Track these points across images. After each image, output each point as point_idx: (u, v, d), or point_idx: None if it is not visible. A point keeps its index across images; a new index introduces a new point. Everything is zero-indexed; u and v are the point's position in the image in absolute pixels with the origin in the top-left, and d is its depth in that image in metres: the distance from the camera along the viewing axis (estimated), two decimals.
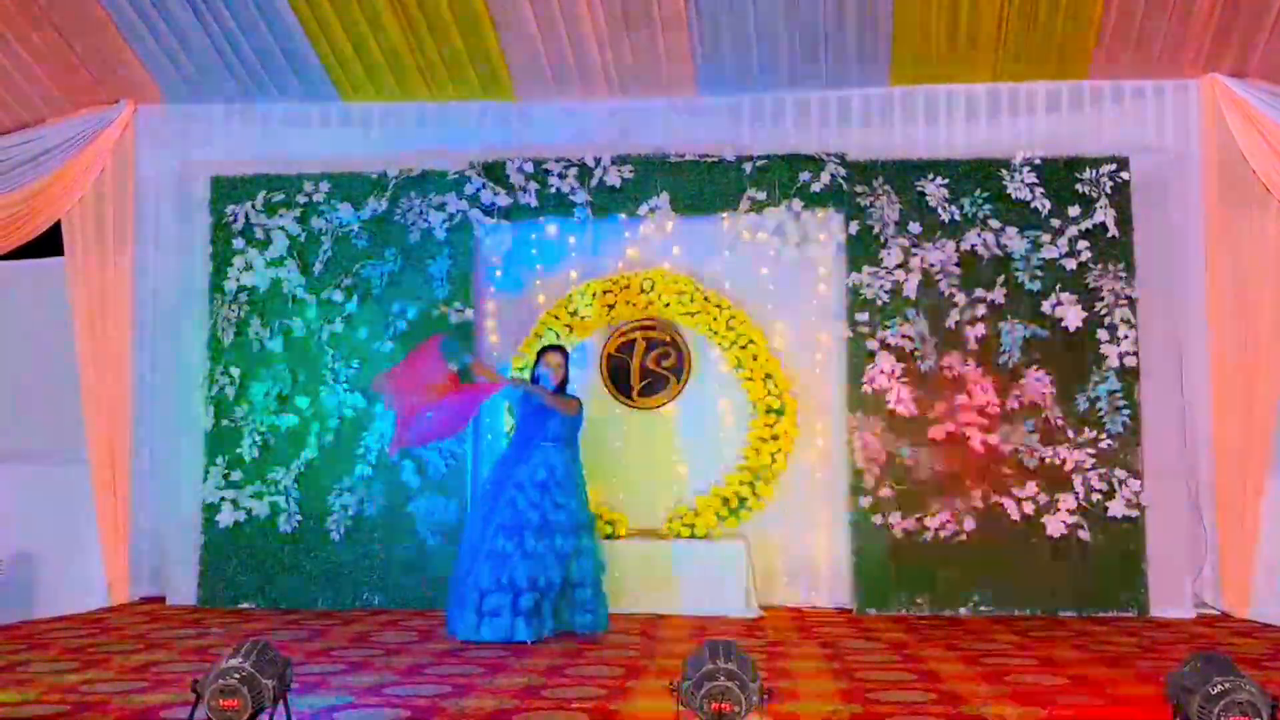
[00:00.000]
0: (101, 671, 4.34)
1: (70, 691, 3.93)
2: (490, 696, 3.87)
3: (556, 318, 6.64)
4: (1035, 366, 6.18)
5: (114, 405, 6.80)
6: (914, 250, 6.31)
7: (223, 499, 6.47)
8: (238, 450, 6.51)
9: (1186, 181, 6.48)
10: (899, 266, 6.31)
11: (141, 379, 6.90)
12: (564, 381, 5.71)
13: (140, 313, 6.93)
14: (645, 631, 5.48)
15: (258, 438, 6.51)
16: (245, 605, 6.38)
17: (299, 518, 6.44)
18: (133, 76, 6.76)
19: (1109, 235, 6.22)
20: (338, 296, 6.58)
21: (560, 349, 5.86)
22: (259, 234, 6.65)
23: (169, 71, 6.73)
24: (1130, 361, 6.14)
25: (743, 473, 6.43)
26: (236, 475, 6.49)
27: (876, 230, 6.36)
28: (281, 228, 6.62)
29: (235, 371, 6.56)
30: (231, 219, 6.68)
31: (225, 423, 6.55)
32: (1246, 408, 6.23)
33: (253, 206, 6.66)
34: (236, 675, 3.10)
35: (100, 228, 6.91)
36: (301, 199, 6.65)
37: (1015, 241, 6.25)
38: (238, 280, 6.63)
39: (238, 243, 6.66)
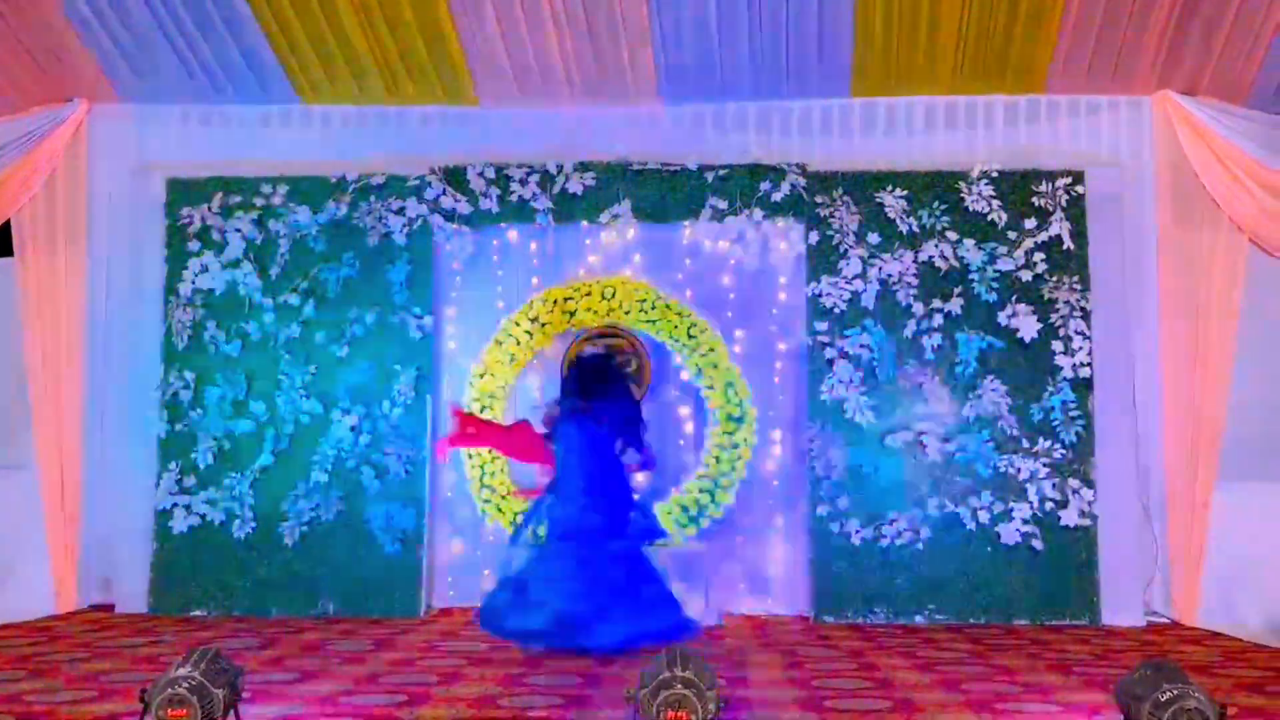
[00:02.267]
0: (48, 681, 4.25)
1: (15, 701, 3.85)
2: (445, 705, 3.84)
3: (517, 324, 6.62)
4: (991, 377, 6.25)
5: (64, 409, 6.66)
6: (873, 261, 6.37)
7: (176, 505, 6.37)
8: (192, 455, 6.42)
9: (1140, 196, 6.58)
10: (858, 276, 6.36)
11: (93, 383, 6.76)
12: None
13: (92, 315, 6.79)
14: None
15: (212, 443, 6.42)
16: (197, 613, 6.29)
17: (253, 524, 6.36)
18: (87, 75, 6.65)
19: (1064, 248, 6.31)
20: (295, 300, 6.51)
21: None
22: (215, 236, 6.57)
23: (124, 71, 6.63)
24: (1084, 372, 6.23)
25: (702, 480, 6.45)
26: (190, 481, 6.40)
27: (836, 240, 6.41)
28: (238, 230, 6.54)
29: (189, 375, 6.47)
30: (187, 221, 6.59)
31: (179, 427, 6.45)
32: (1196, 419, 6.33)
33: (209, 209, 6.58)
34: (186, 684, 3.07)
35: (51, 228, 6.77)
36: (259, 202, 6.57)
37: (972, 253, 6.32)
38: (193, 283, 6.54)
39: (193, 245, 6.57)
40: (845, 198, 6.42)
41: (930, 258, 6.35)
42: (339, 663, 4.73)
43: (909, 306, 6.33)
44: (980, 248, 6.33)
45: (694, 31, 6.26)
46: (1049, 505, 6.14)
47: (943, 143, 6.71)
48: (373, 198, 6.55)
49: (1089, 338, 6.25)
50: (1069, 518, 6.11)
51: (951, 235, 6.35)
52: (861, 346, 6.32)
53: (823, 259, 6.41)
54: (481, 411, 6.57)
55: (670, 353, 6.61)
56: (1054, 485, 6.15)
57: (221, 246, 6.55)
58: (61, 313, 6.73)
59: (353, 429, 6.38)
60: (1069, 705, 3.90)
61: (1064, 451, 6.18)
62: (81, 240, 6.81)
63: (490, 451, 6.55)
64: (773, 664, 4.79)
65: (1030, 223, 6.32)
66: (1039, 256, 6.30)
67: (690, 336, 6.54)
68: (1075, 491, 6.13)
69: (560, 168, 6.56)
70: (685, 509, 6.39)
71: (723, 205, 6.50)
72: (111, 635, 5.54)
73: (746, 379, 6.54)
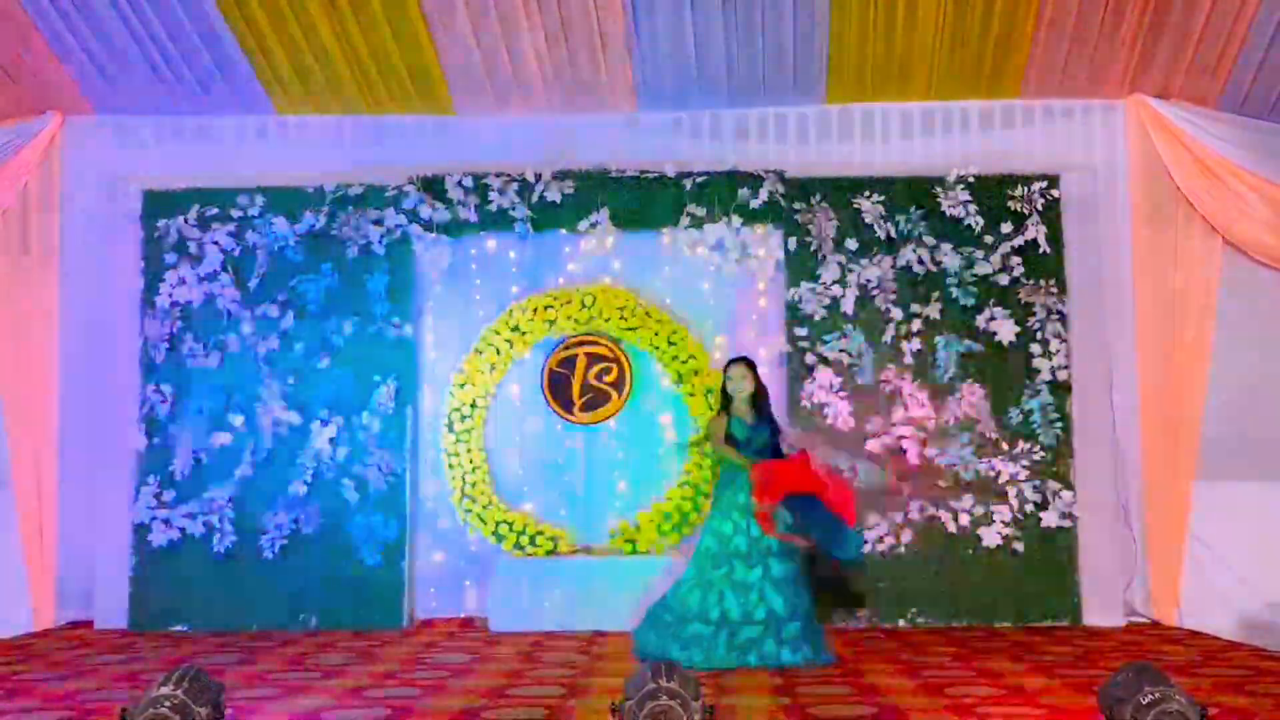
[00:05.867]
0: (26, 701, 4.21)
1: None
2: (430, 718, 3.82)
3: (497, 333, 6.61)
4: (970, 380, 6.29)
5: (40, 424, 6.61)
6: (851, 266, 6.40)
7: (154, 519, 6.32)
8: (170, 469, 6.38)
9: (1114, 198, 6.64)
10: (836, 282, 6.39)
11: (69, 397, 6.70)
12: (757, 394, 5.39)
13: (68, 329, 6.74)
14: (587, 649, 5.45)
15: (191, 456, 6.38)
16: (177, 628, 6.24)
17: (233, 537, 6.32)
18: (61, 87, 6.60)
19: (1040, 251, 6.36)
20: (273, 312, 6.48)
21: (743, 360, 5.47)
22: (192, 248, 6.53)
23: (98, 83, 6.58)
24: (1062, 375, 6.27)
25: (684, 488, 6.45)
26: (169, 495, 6.35)
27: (814, 246, 6.43)
28: (215, 242, 6.51)
29: (167, 389, 6.43)
30: (164, 233, 6.54)
31: (157, 441, 6.41)
32: (1173, 420, 6.39)
33: (185, 220, 6.54)
34: (168, 703, 3.03)
35: (25, 241, 6.72)
36: (236, 213, 6.54)
37: (949, 258, 6.36)
38: (170, 295, 6.50)
39: (170, 257, 6.52)
40: (823, 204, 6.45)
41: (908, 263, 6.38)
42: (321, 677, 4.70)
43: (887, 311, 6.36)
44: (957, 252, 6.37)
45: (671, 40, 6.27)
46: (1029, 507, 6.17)
47: (919, 148, 6.75)
48: (351, 208, 6.53)
49: (1066, 340, 6.30)
50: (1049, 519, 6.15)
51: (929, 240, 6.39)
52: (841, 351, 6.34)
53: (801, 265, 6.43)
54: (462, 420, 6.56)
55: (651, 360, 6.61)
56: (1034, 487, 6.18)
57: (199, 258, 6.52)
58: (35, 326, 6.67)
59: (332, 440, 6.35)
60: (1052, 708, 3.92)
61: (1043, 454, 6.22)
62: (56, 254, 6.76)
63: (471, 462, 6.54)
64: (757, 670, 4.79)
65: (1006, 227, 6.37)
66: (1016, 260, 6.35)
67: (670, 343, 6.54)
68: (1055, 493, 6.17)
69: (538, 176, 6.55)
70: (668, 516, 6.39)
71: (701, 212, 6.51)
72: (90, 652, 5.48)
73: None
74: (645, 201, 6.56)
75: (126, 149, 6.89)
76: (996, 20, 6.12)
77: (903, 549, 6.19)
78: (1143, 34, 6.14)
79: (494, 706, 4.03)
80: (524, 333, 6.60)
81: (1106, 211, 6.59)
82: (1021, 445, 6.23)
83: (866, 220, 6.42)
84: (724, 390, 5.46)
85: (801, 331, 6.37)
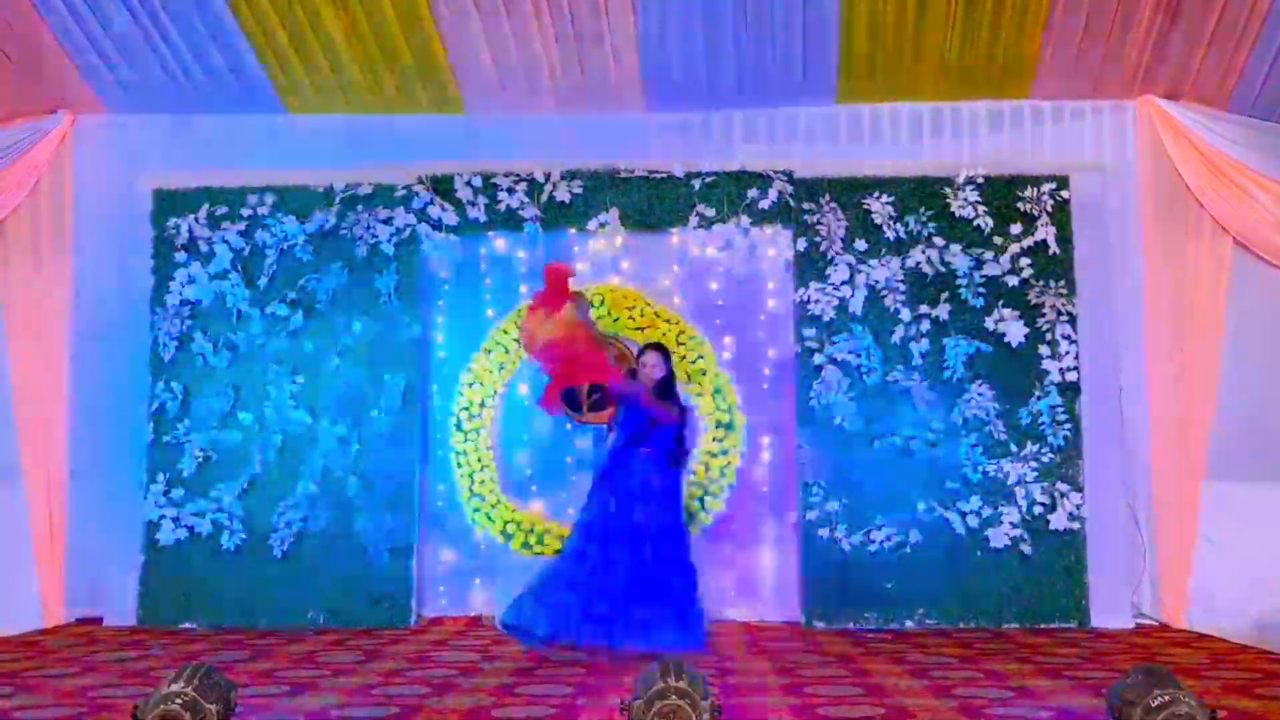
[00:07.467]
0: (36, 697, 4.22)
1: (3, 718, 3.82)
2: (438, 716, 3.83)
3: (506, 332, 6.62)
4: (979, 381, 6.28)
5: (50, 421, 6.64)
6: (860, 267, 6.40)
7: (163, 516, 6.35)
8: (179, 466, 6.40)
9: (1124, 200, 6.64)
10: (845, 283, 6.39)
11: (80, 394, 6.74)
12: (666, 381, 5.45)
13: (79, 327, 6.77)
14: (595, 648, 5.45)
15: (200, 454, 6.41)
16: (186, 625, 6.26)
17: (242, 535, 6.34)
18: (72, 87, 6.63)
19: (1050, 252, 6.35)
20: (283, 311, 6.50)
21: (659, 347, 5.59)
22: (202, 247, 6.56)
23: (109, 82, 6.61)
24: (1071, 376, 6.26)
25: (692, 487, 6.45)
26: (178, 492, 6.38)
27: (823, 247, 6.43)
28: (225, 241, 6.54)
29: (177, 386, 6.45)
30: (174, 232, 6.57)
31: (166, 439, 6.43)
32: (1182, 421, 6.38)
33: (196, 219, 6.57)
34: (179, 700, 3.05)
35: (36, 240, 6.75)
36: (246, 212, 6.56)
37: (959, 258, 6.36)
38: (180, 294, 6.52)
39: (180, 256, 6.55)
40: (832, 204, 6.45)
41: (917, 263, 6.38)
42: (330, 675, 4.71)
43: (896, 312, 6.36)
44: (967, 253, 6.37)
45: (680, 40, 6.28)
46: (1037, 509, 6.17)
47: (929, 149, 6.76)
48: (360, 207, 6.55)
49: (1075, 341, 6.29)
50: (1057, 521, 6.14)
51: (938, 241, 6.39)
52: (849, 352, 6.34)
53: (810, 265, 6.43)
54: (471, 419, 6.57)
55: None
56: (1042, 489, 6.18)
57: (209, 257, 6.54)
58: (46, 324, 6.71)
59: (341, 439, 6.37)
60: (1060, 710, 3.92)
61: (1052, 455, 6.21)
62: (67, 252, 6.79)
63: (480, 461, 6.54)
64: (764, 671, 4.79)
65: (1016, 228, 6.37)
66: (1025, 261, 6.34)
67: (679, 343, 6.55)
68: (1063, 495, 6.16)
69: (548, 176, 6.57)
70: None
71: (710, 212, 6.53)
72: (100, 649, 5.51)
73: (735, 386, 6.56)
74: (654, 201, 6.57)
75: (137, 148, 6.91)
76: (1006, 21, 6.12)
77: (910, 550, 6.18)
78: (1153, 35, 6.13)
79: (502, 705, 4.04)
80: None
81: (1116, 213, 6.59)
82: (1030, 446, 6.22)
83: (876, 221, 6.42)
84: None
85: (810, 332, 6.37)
